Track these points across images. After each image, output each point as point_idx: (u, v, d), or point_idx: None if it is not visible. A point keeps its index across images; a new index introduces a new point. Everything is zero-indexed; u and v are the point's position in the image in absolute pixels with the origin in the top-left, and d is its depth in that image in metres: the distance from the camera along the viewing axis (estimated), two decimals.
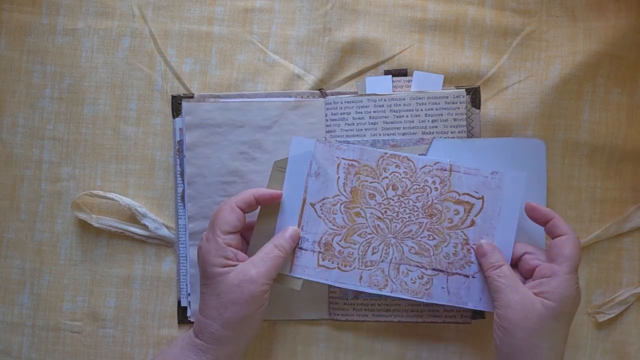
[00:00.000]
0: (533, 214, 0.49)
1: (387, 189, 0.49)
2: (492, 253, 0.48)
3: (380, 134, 0.53)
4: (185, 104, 0.54)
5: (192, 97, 0.55)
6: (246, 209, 0.48)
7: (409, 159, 0.49)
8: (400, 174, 0.49)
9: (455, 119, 0.53)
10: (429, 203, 0.49)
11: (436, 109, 0.53)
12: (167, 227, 0.56)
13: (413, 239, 0.49)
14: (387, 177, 0.49)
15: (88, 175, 0.56)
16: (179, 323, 0.56)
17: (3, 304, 0.56)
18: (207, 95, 0.55)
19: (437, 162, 0.48)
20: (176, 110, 0.55)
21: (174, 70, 0.57)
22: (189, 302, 0.54)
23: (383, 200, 0.49)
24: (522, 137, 0.54)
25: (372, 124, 0.54)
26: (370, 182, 0.49)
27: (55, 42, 0.57)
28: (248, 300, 0.46)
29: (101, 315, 0.56)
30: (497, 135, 0.55)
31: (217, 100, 0.55)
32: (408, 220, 0.49)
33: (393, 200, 0.49)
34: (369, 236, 0.50)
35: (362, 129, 0.54)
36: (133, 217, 0.56)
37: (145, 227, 0.55)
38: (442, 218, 0.49)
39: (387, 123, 0.53)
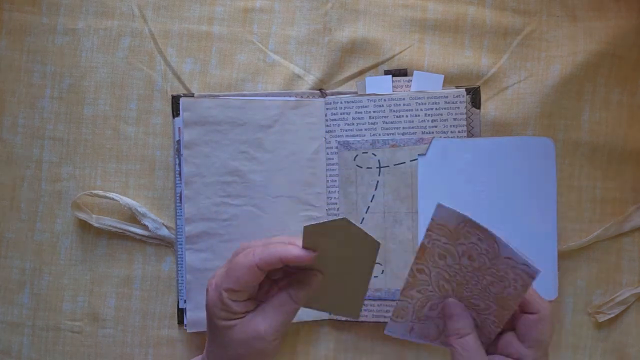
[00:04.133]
0: None
1: (463, 255, 0.41)
2: (459, 317, 0.42)
3: (380, 134, 0.53)
4: (183, 100, 0.53)
5: (192, 97, 0.55)
6: (267, 269, 0.40)
7: (495, 241, 0.39)
8: (480, 249, 0.40)
9: (455, 119, 0.53)
10: (504, 296, 0.41)
11: (436, 109, 0.53)
12: (167, 227, 0.56)
13: (478, 313, 0.43)
14: (464, 244, 0.40)
15: (88, 175, 0.57)
16: (178, 323, 0.56)
17: (3, 304, 0.56)
18: (207, 95, 0.55)
19: (525, 264, 0.39)
20: (176, 110, 0.55)
21: (174, 70, 0.57)
22: (186, 308, 0.54)
23: (454, 264, 0.41)
24: (529, 136, 0.54)
25: (372, 124, 0.54)
26: (444, 243, 0.41)
27: (55, 42, 0.57)
28: (254, 355, 0.41)
29: (101, 315, 0.56)
30: (497, 135, 0.55)
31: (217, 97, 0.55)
32: (478, 296, 0.42)
33: (467, 268, 0.41)
34: (430, 294, 0.43)
35: (361, 129, 0.54)
36: (133, 217, 0.56)
37: (145, 227, 0.55)
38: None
39: (386, 123, 0.53)
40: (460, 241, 0.40)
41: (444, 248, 0.41)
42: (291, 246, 0.40)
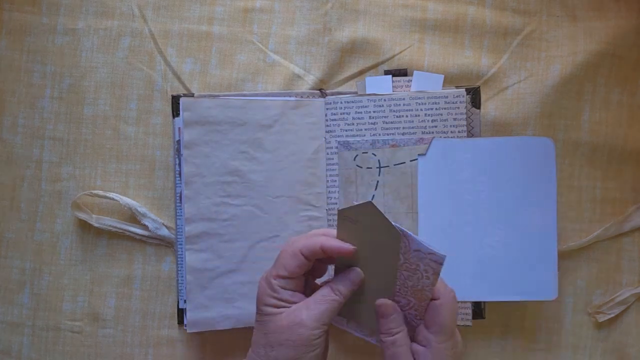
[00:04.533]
0: None
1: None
2: (390, 316, 0.44)
3: (380, 134, 0.53)
4: (183, 100, 0.53)
5: (192, 97, 0.55)
6: (310, 257, 0.43)
7: (405, 236, 0.41)
8: (402, 248, 0.42)
9: (455, 119, 0.53)
10: (419, 287, 0.43)
11: (436, 109, 0.53)
12: (167, 227, 0.56)
13: (401, 309, 0.45)
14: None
15: (88, 175, 0.57)
16: (178, 323, 0.56)
17: (3, 304, 0.56)
18: (207, 95, 0.55)
19: (432, 253, 0.41)
20: (176, 110, 0.55)
21: (174, 70, 0.57)
22: (186, 308, 0.54)
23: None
24: (530, 136, 0.54)
25: (372, 123, 0.54)
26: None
27: (55, 42, 0.57)
28: (297, 343, 0.42)
29: (101, 315, 0.56)
30: (497, 135, 0.55)
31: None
32: (399, 293, 0.44)
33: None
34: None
35: (361, 129, 0.54)
36: (133, 217, 0.56)
37: (145, 227, 0.55)
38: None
39: (386, 123, 0.53)
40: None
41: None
42: (333, 238, 0.43)
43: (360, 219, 0.42)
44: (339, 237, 0.44)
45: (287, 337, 0.43)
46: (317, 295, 0.44)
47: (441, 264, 0.41)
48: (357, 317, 0.46)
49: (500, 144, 0.52)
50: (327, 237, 0.44)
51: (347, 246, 0.43)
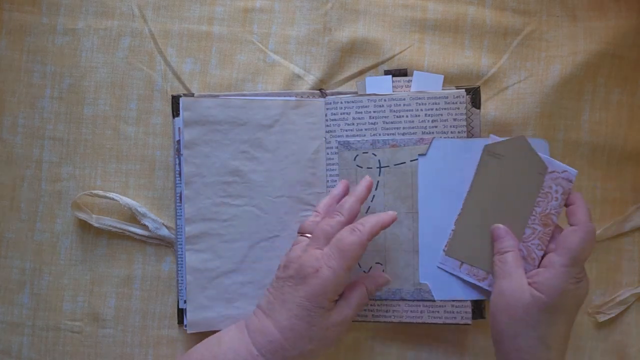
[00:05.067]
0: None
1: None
2: (503, 238, 0.48)
3: (380, 134, 0.53)
4: (183, 100, 0.53)
5: (192, 96, 0.55)
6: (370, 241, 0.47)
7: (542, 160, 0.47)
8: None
9: (455, 119, 0.53)
10: (547, 212, 0.47)
11: (436, 109, 0.53)
12: (167, 227, 0.56)
13: (524, 242, 0.48)
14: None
15: (88, 175, 0.56)
16: (178, 323, 0.56)
17: (3, 304, 0.56)
18: (207, 95, 0.55)
19: (565, 171, 0.46)
20: (176, 110, 0.55)
21: (174, 70, 0.57)
22: (186, 308, 0.54)
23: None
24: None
25: (372, 124, 0.54)
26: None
27: (55, 42, 0.57)
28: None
29: (101, 315, 0.56)
30: (498, 136, 0.55)
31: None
32: (526, 224, 0.48)
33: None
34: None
35: (362, 129, 0.54)
36: (133, 217, 0.56)
37: (145, 227, 0.55)
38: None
39: (387, 123, 0.53)
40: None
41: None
42: (383, 214, 0.47)
43: (506, 153, 0.47)
44: (477, 172, 0.49)
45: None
46: (355, 293, 0.47)
47: (571, 181, 0.45)
48: (472, 260, 0.49)
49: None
50: (379, 216, 0.46)
51: (394, 215, 0.47)
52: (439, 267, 0.51)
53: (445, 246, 0.51)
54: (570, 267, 0.44)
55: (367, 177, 0.50)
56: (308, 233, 0.49)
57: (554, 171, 0.46)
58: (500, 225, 0.48)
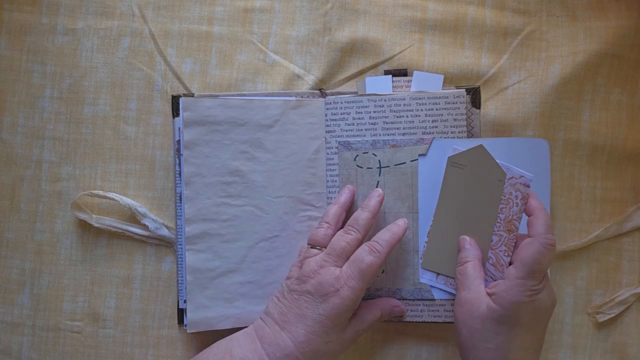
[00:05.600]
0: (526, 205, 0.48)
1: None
2: (464, 249, 0.48)
3: (380, 134, 0.53)
4: (183, 100, 0.53)
5: (192, 96, 0.55)
6: None
7: (504, 169, 0.47)
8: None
9: (455, 119, 0.53)
10: (510, 218, 0.47)
11: (436, 109, 0.53)
12: (167, 227, 0.56)
13: (493, 249, 0.48)
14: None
15: (88, 175, 0.56)
16: (178, 323, 0.56)
17: (3, 304, 0.56)
18: (207, 95, 0.55)
19: (522, 176, 0.46)
20: (176, 110, 0.55)
21: (174, 70, 0.57)
22: (186, 309, 0.54)
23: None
24: (525, 137, 0.54)
25: (372, 124, 0.54)
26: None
27: (55, 42, 0.57)
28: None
29: (101, 315, 0.56)
30: (497, 135, 0.55)
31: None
32: (492, 231, 0.48)
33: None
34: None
35: (362, 129, 0.54)
36: (133, 217, 0.56)
37: (145, 227, 0.55)
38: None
39: (387, 123, 0.53)
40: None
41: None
42: (395, 227, 0.48)
43: (468, 163, 0.48)
44: (444, 183, 0.49)
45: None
46: (370, 314, 0.49)
47: (528, 185, 0.46)
48: (446, 270, 0.49)
49: (498, 144, 0.52)
50: (392, 232, 0.47)
51: (404, 225, 0.49)
52: (420, 281, 0.52)
53: (421, 258, 0.52)
54: (524, 279, 0.43)
55: (378, 190, 0.50)
56: (320, 246, 0.49)
57: (512, 177, 0.46)
58: (465, 237, 0.49)
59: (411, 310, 0.53)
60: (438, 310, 0.53)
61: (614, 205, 0.55)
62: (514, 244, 0.47)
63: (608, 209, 0.55)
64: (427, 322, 0.53)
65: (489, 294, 0.44)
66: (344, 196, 0.52)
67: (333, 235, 0.49)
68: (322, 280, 0.46)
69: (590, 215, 0.55)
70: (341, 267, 0.46)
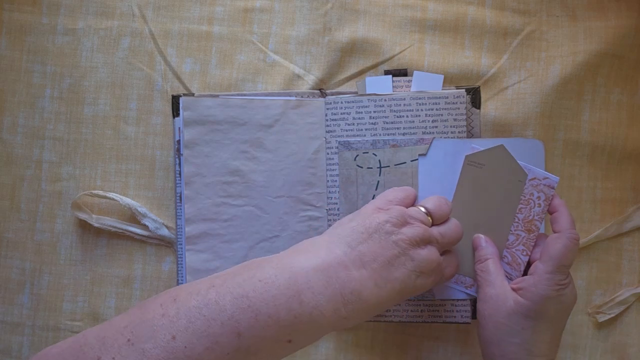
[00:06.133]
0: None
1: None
2: (482, 247, 0.48)
3: (380, 134, 0.53)
4: (184, 99, 0.53)
5: (192, 96, 0.55)
6: None
7: (526, 170, 0.48)
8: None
9: (455, 119, 0.53)
10: (530, 218, 0.47)
11: (436, 109, 0.53)
12: (167, 227, 0.56)
13: (509, 249, 0.48)
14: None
15: (88, 175, 0.56)
16: None
17: (3, 304, 0.56)
18: (207, 95, 0.55)
19: (547, 178, 0.47)
20: (176, 110, 0.55)
21: (174, 70, 0.57)
22: None
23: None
24: (520, 138, 0.54)
25: (372, 124, 0.54)
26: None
27: (55, 42, 0.57)
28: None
29: (101, 315, 0.56)
30: (497, 136, 0.55)
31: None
32: (509, 230, 0.48)
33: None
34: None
35: (362, 129, 0.54)
36: (133, 217, 0.56)
37: (145, 227, 0.55)
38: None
39: (387, 123, 0.53)
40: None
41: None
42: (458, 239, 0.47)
43: (487, 162, 0.48)
44: (460, 182, 0.49)
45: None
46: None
47: (553, 187, 0.46)
48: (460, 269, 0.49)
49: (493, 145, 0.52)
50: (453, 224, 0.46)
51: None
52: None
53: None
54: (553, 273, 0.44)
55: (457, 223, 0.47)
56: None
57: (534, 178, 0.47)
58: (480, 235, 0.49)
59: (411, 311, 0.53)
60: (438, 311, 0.53)
61: (614, 205, 0.55)
62: (533, 243, 0.47)
63: (608, 209, 0.55)
64: (427, 322, 0.53)
65: (514, 290, 0.45)
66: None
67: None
68: (431, 258, 0.43)
69: (590, 215, 0.55)
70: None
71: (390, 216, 0.43)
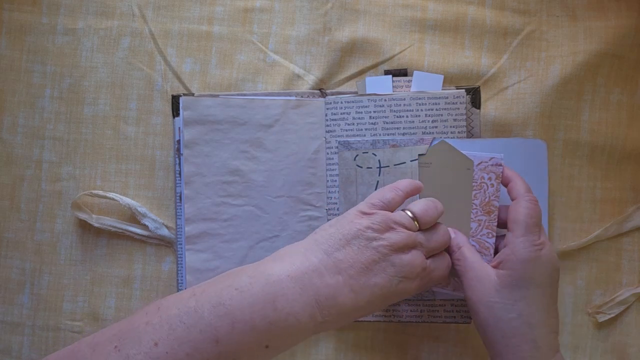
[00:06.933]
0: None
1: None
2: (452, 237, 0.47)
3: (380, 134, 0.53)
4: (184, 99, 0.53)
5: (192, 96, 0.55)
6: None
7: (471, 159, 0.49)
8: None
9: (455, 119, 0.53)
10: (487, 200, 0.48)
11: (436, 109, 0.53)
12: (167, 227, 0.56)
13: (474, 236, 0.49)
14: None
15: (88, 175, 0.56)
16: None
17: (3, 304, 0.56)
18: (207, 94, 0.55)
19: (493, 158, 0.48)
20: (176, 110, 0.55)
21: (174, 70, 0.57)
22: None
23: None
24: (522, 138, 0.54)
25: (372, 124, 0.54)
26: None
27: (55, 42, 0.57)
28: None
29: (101, 315, 0.56)
30: (497, 136, 0.55)
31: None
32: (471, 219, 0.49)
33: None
34: None
35: (362, 129, 0.54)
36: (133, 217, 0.56)
37: (145, 227, 0.55)
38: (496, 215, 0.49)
39: (387, 123, 0.53)
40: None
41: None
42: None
43: (433, 160, 0.50)
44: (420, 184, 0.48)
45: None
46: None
47: (500, 165, 0.48)
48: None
49: (495, 145, 0.52)
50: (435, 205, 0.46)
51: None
52: None
53: None
54: (524, 236, 0.44)
55: (445, 228, 0.47)
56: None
57: (480, 162, 0.48)
58: (446, 228, 0.48)
59: (411, 311, 0.53)
60: (438, 311, 0.53)
61: (614, 205, 0.55)
62: (496, 223, 0.48)
63: (608, 209, 0.55)
64: (427, 322, 0.53)
65: (494, 267, 0.45)
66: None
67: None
68: (413, 263, 0.43)
69: (590, 215, 0.55)
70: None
71: (372, 222, 0.43)
